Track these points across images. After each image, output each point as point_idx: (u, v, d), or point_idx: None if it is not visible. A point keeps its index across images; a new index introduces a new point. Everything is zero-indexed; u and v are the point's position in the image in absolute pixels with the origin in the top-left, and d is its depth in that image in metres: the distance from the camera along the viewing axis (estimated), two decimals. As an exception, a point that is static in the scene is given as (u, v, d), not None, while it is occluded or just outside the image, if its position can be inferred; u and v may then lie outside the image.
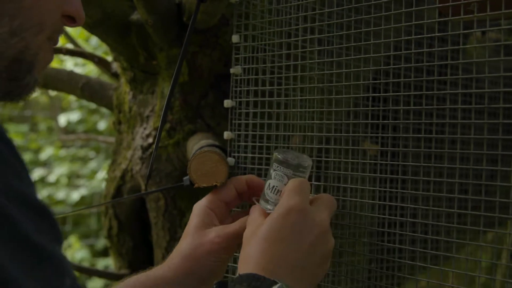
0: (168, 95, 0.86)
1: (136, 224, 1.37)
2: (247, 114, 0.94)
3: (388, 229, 0.84)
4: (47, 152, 3.98)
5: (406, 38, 0.76)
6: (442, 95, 0.77)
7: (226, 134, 0.95)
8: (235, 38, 0.93)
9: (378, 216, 0.84)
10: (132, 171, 1.29)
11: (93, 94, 1.41)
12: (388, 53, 0.81)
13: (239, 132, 0.94)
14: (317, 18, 0.87)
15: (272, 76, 0.91)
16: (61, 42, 3.24)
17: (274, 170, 0.75)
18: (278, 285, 0.57)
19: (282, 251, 0.61)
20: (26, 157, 4.06)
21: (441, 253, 0.75)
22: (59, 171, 3.85)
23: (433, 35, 0.74)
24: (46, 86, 1.41)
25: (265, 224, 0.64)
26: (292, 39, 0.89)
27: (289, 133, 0.90)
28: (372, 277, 0.88)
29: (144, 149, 1.23)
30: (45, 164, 4.03)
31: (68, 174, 3.99)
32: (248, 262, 0.61)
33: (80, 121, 3.90)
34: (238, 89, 0.94)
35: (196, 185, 0.82)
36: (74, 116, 3.73)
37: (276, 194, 0.73)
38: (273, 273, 0.59)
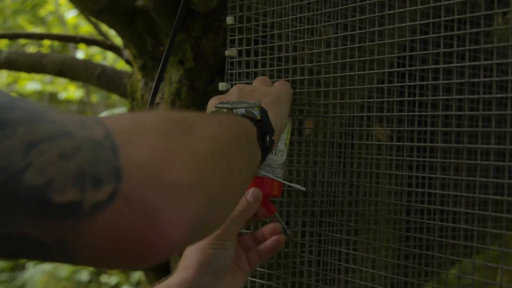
0: (156, 79, 0.85)
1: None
2: (242, 97, 0.92)
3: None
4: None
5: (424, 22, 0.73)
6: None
7: (221, 118, 0.93)
8: (229, 20, 0.91)
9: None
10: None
11: (109, 82, 1.42)
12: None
13: (234, 115, 0.93)
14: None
15: (265, 57, 0.89)
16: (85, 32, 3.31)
17: None
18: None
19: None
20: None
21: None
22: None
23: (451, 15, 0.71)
24: (63, 75, 1.43)
25: None
26: (286, 18, 0.87)
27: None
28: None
29: (155, 136, 1.23)
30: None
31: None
32: None
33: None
34: (234, 71, 0.93)
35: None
36: (117, 110, 3.80)
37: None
38: None
